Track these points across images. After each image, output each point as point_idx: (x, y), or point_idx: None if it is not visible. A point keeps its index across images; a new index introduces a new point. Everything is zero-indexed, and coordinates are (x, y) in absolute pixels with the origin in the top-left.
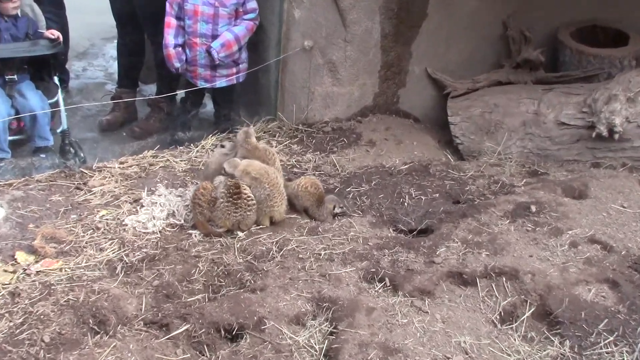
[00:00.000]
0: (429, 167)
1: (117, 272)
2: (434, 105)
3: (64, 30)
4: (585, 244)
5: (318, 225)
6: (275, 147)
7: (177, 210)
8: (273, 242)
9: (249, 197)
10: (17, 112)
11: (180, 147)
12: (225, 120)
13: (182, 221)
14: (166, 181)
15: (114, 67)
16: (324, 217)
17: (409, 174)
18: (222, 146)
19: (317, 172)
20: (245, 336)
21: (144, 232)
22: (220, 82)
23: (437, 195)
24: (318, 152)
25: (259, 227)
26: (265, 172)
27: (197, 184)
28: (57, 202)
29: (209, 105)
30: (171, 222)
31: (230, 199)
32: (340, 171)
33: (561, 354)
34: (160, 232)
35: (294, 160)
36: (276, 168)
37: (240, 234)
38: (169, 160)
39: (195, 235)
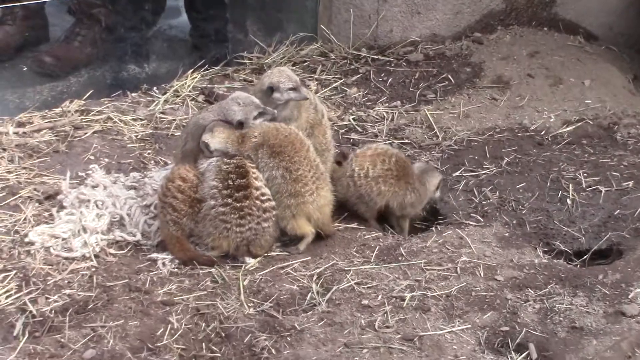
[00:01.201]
0: (614, 130)
1: (14, 334)
2: (624, 10)
3: None
4: None
5: (399, 243)
6: (316, 91)
7: (128, 215)
8: (311, 275)
9: (263, 195)
10: None
11: (133, 94)
12: (216, 41)
13: (139, 236)
14: (106, 160)
15: None
16: (406, 224)
17: (574, 144)
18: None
19: (395, 141)
20: None
21: (67, 258)
22: None
23: (631, 184)
24: (398, 102)
25: (283, 245)
26: (294, 141)
27: (167, 167)
28: None
29: (184, 15)
30: (117, 238)
31: (230, 200)
32: (441, 138)
33: None
34: (97, 257)
35: (351, 116)
36: (322, 139)
37: (249, 261)
38: (111, 118)
39: (165, 264)
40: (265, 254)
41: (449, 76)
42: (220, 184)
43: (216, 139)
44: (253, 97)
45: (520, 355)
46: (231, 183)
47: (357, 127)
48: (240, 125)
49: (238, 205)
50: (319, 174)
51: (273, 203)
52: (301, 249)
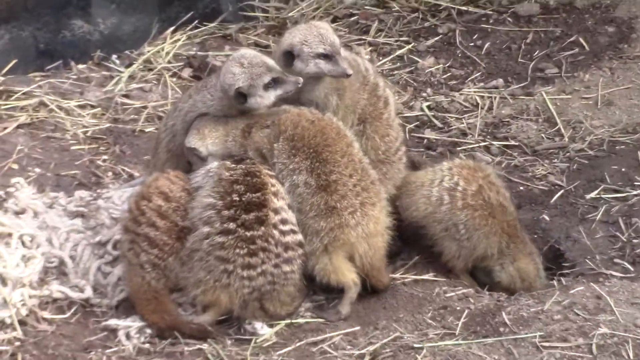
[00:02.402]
0: None
1: None
2: None
3: None
4: None
5: (499, 305)
6: (372, 55)
7: (71, 259)
8: (361, 356)
9: (284, 223)
10: None
11: (79, 65)
12: None
13: (89, 292)
14: (38, 170)
15: None
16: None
17: None
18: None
19: (495, 142)
20: None
21: None
22: None
23: None
24: (500, 80)
25: (316, 308)
26: (325, 129)
27: (133, 182)
28: None
29: None
30: (55, 294)
31: (233, 225)
32: (567, 138)
33: None
34: (23, 324)
35: (425, 102)
36: (381, 142)
37: (262, 330)
38: (45, 104)
39: (130, 335)
40: (289, 319)
41: (581, 39)
42: (219, 200)
43: (208, 140)
44: (266, 58)
45: None
46: (237, 199)
47: (434, 119)
48: (242, 98)
49: (247, 234)
50: (367, 183)
51: (300, 237)
52: (344, 313)
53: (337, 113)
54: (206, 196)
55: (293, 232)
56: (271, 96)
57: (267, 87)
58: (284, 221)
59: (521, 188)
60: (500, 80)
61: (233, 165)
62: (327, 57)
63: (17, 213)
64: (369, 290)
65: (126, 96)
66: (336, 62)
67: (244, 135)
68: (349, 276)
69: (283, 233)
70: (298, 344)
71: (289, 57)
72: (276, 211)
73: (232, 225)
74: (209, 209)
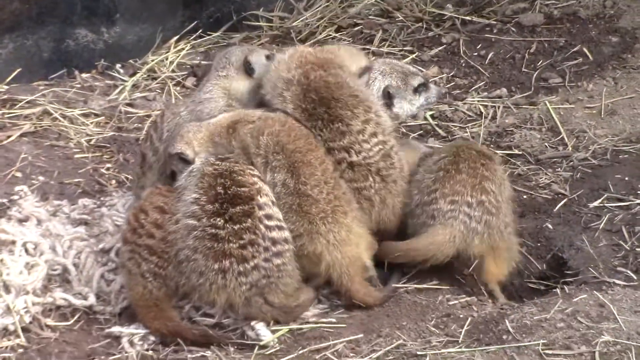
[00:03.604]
0: None
1: None
2: None
3: None
4: None
5: (503, 313)
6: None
7: (75, 266)
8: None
9: (270, 218)
10: None
11: (83, 74)
12: None
13: (92, 299)
14: (42, 178)
15: None
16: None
17: None
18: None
19: (499, 151)
20: None
21: None
22: None
23: None
24: (504, 89)
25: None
26: (308, 135)
27: (139, 190)
28: None
29: None
30: (59, 301)
31: (220, 220)
32: (571, 147)
33: None
34: (26, 330)
35: (429, 112)
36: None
37: (264, 336)
38: (49, 113)
39: (133, 343)
40: (293, 324)
41: (585, 49)
42: (203, 195)
43: (194, 142)
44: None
45: None
46: (221, 191)
47: (437, 128)
48: (249, 67)
49: (235, 227)
50: (339, 193)
51: (287, 234)
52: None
53: None
54: (190, 192)
55: (279, 227)
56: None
57: (268, 57)
58: (268, 216)
59: (525, 197)
60: (504, 90)
61: (215, 161)
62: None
63: (21, 221)
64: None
65: (130, 105)
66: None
67: (228, 132)
68: (356, 291)
69: (269, 228)
70: (301, 351)
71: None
72: (260, 207)
73: (220, 221)
74: (194, 205)
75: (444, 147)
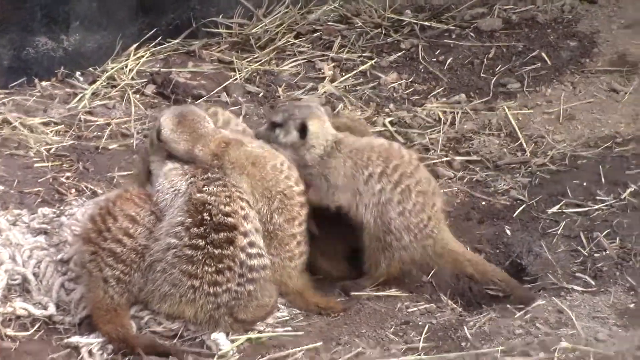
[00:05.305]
0: None
1: None
2: None
3: None
4: None
5: (461, 319)
6: (332, 78)
7: (34, 276)
8: None
9: (252, 246)
10: None
11: (43, 82)
12: (177, 1)
13: (52, 309)
14: (1, 187)
15: None
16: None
17: None
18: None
19: (457, 157)
20: None
21: None
22: None
23: None
24: (462, 95)
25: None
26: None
27: (96, 199)
28: None
29: None
30: (18, 311)
31: (202, 242)
32: (529, 153)
33: None
34: None
35: (387, 118)
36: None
37: (224, 345)
38: (8, 122)
39: (92, 353)
40: (252, 333)
41: (543, 54)
42: (189, 218)
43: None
44: None
45: None
46: (208, 218)
47: (396, 135)
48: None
49: (216, 252)
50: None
51: (266, 261)
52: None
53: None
54: (176, 215)
55: (259, 255)
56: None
57: None
58: (251, 244)
59: (483, 203)
60: (463, 95)
61: (205, 187)
62: None
63: None
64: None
65: (90, 113)
66: None
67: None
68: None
69: (250, 256)
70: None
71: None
72: (245, 234)
73: (201, 242)
74: (178, 226)
75: None
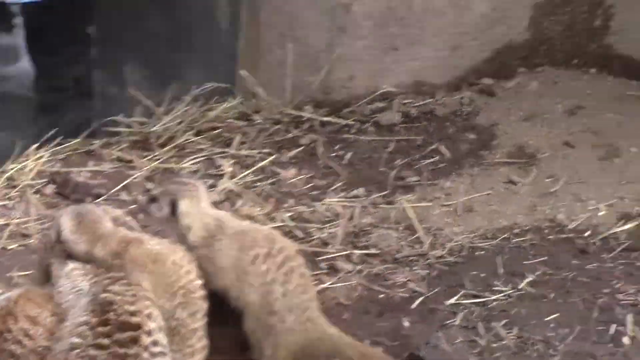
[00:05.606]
0: None
1: None
2: None
3: None
4: None
5: None
6: (232, 174)
7: None
8: None
9: (155, 345)
10: None
11: None
12: (74, 98)
13: None
14: None
15: None
16: None
17: (637, 251)
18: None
19: (356, 251)
20: None
21: None
22: None
23: None
24: (362, 190)
25: None
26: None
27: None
28: None
29: (24, 59)
30: None
31: (107, 340)
32: (427, 246)
33: None
34: None
35: (286, 213)
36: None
37: None
38: None
39: None
40: None
41: (442, 147)
42: (94, 317)
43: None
44: None
45: None
46: (113, 317)
47: (295, 230)
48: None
49: (120, 351)
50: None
51: (168, 359)
52: None
53: None
54: (80, 315)
55: (162, 354)
56: None
57: None
58: (155, 343)
59: (382, 296)
60: (362, 190)
61: (110, 287)
62: None
63: None
64: None
65: None
66: None
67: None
68: None
69: (153, 355)
70: None
71: None
72: (149, 333)
73: (106, 341)
74: (83, 325)
75: None
